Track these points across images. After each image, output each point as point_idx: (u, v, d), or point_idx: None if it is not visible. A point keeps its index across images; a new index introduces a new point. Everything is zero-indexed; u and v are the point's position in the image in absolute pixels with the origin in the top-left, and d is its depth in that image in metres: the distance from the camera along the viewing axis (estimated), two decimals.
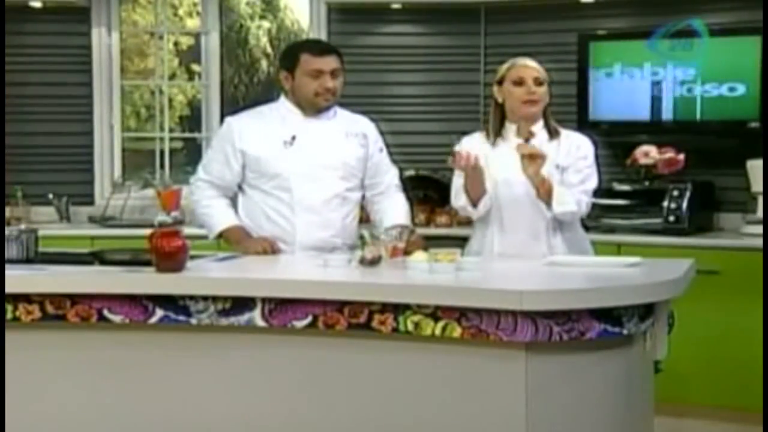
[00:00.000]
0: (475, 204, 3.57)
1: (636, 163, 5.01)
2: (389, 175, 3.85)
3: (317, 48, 3.71)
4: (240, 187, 3.75)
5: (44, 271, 3.08)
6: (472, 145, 3.62)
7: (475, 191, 3.54)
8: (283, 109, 3.72)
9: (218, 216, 3.72)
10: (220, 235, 3.72)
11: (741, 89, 4.87)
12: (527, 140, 3.53)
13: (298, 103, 3.68)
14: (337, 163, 3.67)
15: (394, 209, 3.77)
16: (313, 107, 3.67)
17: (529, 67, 3.58)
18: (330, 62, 3.63)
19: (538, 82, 3.56)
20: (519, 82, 3.56)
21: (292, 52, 3.75)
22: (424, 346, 2.77)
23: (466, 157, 3.42)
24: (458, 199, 3.62)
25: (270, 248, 3.57)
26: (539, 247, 3.52)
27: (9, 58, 5.44)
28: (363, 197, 3.82)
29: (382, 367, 2.83)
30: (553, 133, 3.59)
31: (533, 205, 3.52)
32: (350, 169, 3.71)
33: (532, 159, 3.41)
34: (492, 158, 3.59)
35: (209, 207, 3.73)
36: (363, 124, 3.81)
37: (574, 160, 3.56)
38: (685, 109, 5.02)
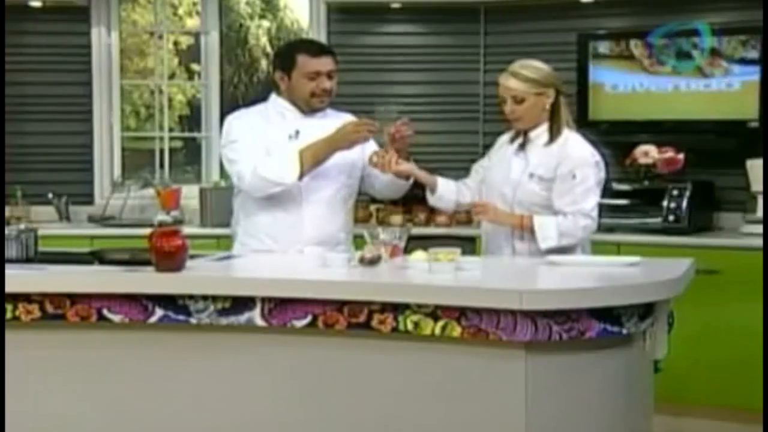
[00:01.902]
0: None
1: (636, 163, 5.02)
2: None
3: (314, 49, 3.70)
4: None
5: (44, 271, 3.08)
6: (500, 141, 3.70)
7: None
8: (278, 106, 3.72)
9: (281, 156, 3.54)
10: (302, 167, 3.52)
11: (741, 89, 4.87)
12: (522, 146, 3.54)
13: (294, 102, 3.69)
14: (340, 157, 3.67)
15: None
16: (308, 107, 3.67)
17: (505, 86, 3.50)
18: (327, 63, 3.64)
19: (517, 101, 3.48)
20: (502, 101, 3.54)
21: (288, 52, 3.72)
22: (424, 346, 2.77)
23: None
24: None
25: (365, 127, 3.50)
26: (506, 247, 3.54)
27: (9, 57, 5.44)
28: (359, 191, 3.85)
29: (382, 366, 2.83)
30: (553, 138, 3.50)
31: (502, 204, 3.53)
32: (352, 163, 3.72)
33: (478, 212, 3.46)
34: (498, 157, 3.63)
35: (268, 162, 3.55)
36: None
37: (558, 177, 3.45)
38: (685, 109, 5.02)
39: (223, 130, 3.78)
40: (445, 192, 3.66)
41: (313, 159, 3.54)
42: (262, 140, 3.61)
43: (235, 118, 3.75)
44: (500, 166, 3.59)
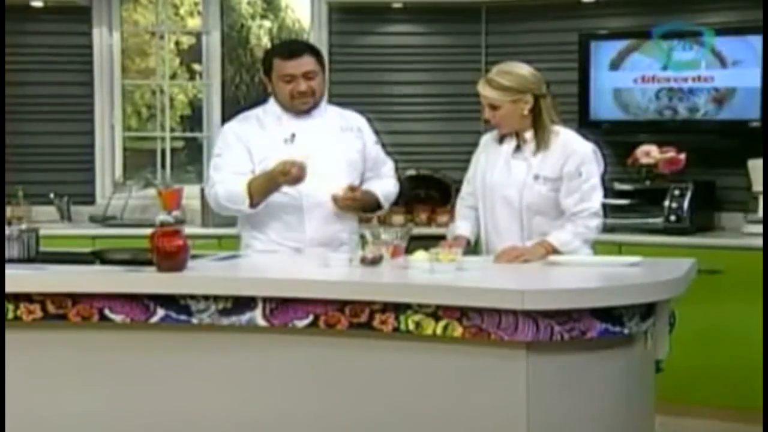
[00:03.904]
0: None
1: (637, 163, 5.01)
2: (387, 167, 3.88)
3: (287, 51, 3.65)
4: None
5: (45, 271, 3.08)
6: (484, 142, 3.68)
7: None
8: (275, 110, 3.71)
9: (236, 184, 3.58)
10: (252, 197, 3.56)
11: (742, 88, 4.87)
12: (518, 147, 3.52)
13: (283, 105, 3.68)
14: (338, 157, 3.67)
15: (379, 185, 3.79)
16: (293, 109, 3.65)
17: (481, 94, 3.48)
18: (301, 65, 3.59)
19: (493, 107, 3.47)
20: (482, 107, 3.53)
21: (267, 56, 3.73)
22: (425, 346, 2.77)
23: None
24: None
25: (296, 167, 3.46)
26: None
27: (10, 57, 5.44)
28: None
29: (383, 366, 2.83)
30: (540, 146, 3.46)
31: (508, 207, 3.51)
32: (352, 162, 3.72)
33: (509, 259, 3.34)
34: (489, 159, 3.61)
35: (226, 188, 3.60)
36: (355, 118, 3.82)
37: (566, 176, 3.43)
38: (687, 109, 5.01)
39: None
40: (472, 235, 3.65)
41: (260, 191, 3.57)
42: (251, 152, 3.61)
43: (227, 128, 3.77)
44: (497, 167, 3.56)
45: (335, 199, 3.61)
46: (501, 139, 3.59)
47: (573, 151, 3.46)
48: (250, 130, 3.69)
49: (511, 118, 3.47)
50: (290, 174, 3.47)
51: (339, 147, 3.69)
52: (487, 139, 3.68)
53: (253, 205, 3.57)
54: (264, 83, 3.75)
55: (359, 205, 3.73)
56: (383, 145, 3.89)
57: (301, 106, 3.64)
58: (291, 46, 3.82)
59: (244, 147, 3.64)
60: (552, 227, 3.44)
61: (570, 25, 5.35)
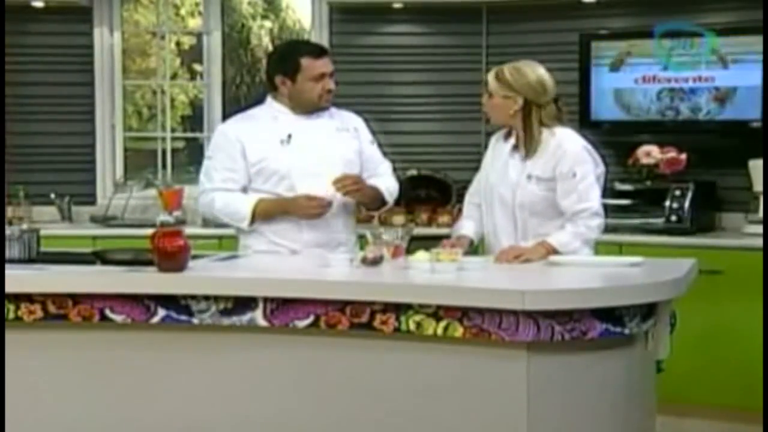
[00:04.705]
0: None
1: (638, 163, 5.01)
2: (384, 166, 3.86)
3: (317, 51, 3.69)
4: (244, 191, 3.72)
5: (46, 271, 3.08)
6: (493, 140, 3.69)
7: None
8: (272, 110, 3.71)
9: (239, 201, 3.64)
10: (254, 217, 3.62)
11: (743, 88, 4.87)
12: (516, 146, 3.52)
13: (291, 105, 3.67)
14: (335, 157, 3.66)
15: (380, 181, 3.79)
16: (313, 108, 3.66)
17: (486, 79, 3.57)
18: (329, 64, 3.65)
19: (489, 94, 3.53)
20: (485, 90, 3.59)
21: (290, 56, 3.67)
22: (426, 346, 2.77)
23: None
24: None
25: (317, 205, 3.54)
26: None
27: (11, 57, 5.44)
28: None
29: (384, 366, 2.83)
30: (528, 151, 3.46)
31: (503, 206, 3.51)
32: (349, 162, 3.71)
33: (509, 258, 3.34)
34: (494, 157, 3.61)
35: (226, 202, 3.64)
36: (352, 119, 3.82)
37: (559, 177, 3.41)
38: (688, 109, 5.01)
39: None
40: (476, 235, 3.65)
41: (265, 215, 3.63)
42: (247, 153, 3.62)
43: (221, 130, 3.79)
44: (497, 165, 3.57)
45: (334, 183, 3.58)
46: (506, 138, 3.60)
47: (564, 152, 3.44)
48: (246, 131, 3.68)
49: (499, 111, 3.51)
50: (312, 210, 3.54)
51: (336, 147, 3.69)
52: (495, 137, 3.69)
53: (251, 224, 3.63)
54: (273, 83, 3.68)
55: (364, 194, 3.69)
56: (380, 145, 3.89)
57: (325, 104, 3.67)
58: (318, 46, 3.87)
59: (239, 149, 3.64)
60: (549, 228, 3.43)
61: (570, 26, 5.35)
